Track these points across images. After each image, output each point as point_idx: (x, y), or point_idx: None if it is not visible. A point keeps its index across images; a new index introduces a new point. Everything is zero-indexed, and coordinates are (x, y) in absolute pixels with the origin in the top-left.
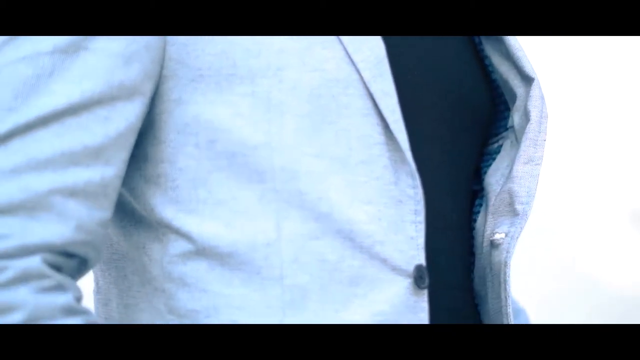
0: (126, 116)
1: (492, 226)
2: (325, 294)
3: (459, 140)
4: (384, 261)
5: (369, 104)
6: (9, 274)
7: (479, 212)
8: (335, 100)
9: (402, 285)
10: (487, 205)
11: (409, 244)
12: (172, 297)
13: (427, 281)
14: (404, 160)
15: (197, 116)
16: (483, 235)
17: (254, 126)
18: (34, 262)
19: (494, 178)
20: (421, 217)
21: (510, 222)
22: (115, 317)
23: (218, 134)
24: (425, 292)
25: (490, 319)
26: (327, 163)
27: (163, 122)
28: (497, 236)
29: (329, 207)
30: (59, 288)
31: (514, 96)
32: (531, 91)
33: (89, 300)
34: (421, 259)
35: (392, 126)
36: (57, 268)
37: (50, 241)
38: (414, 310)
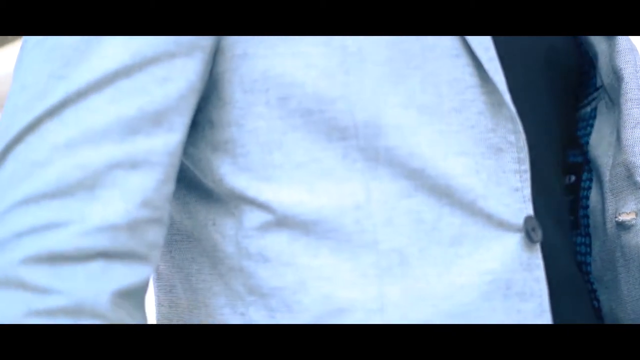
0: (186, 75)
1: (615, 205)
2: (425, 257)
3: (551, 95)
4: (488, 217)
5: (458, 43)
6: (59, 302)
7: (589, 187)
8: (418, 42)
9: (512, 241)
10: (600, 181)
11: (514, 197)
12: (252, 275)
13: (540, 234)
14: (501, 103)
15: (265, 71)
16: (604, 216)
17: (330, 78)
18: (98, 294)
19: (600, 149)
20: (526, 166)
21: (636, 199)
22: (183, 304)
23: (290, 89)
24: (539, 248)
25: (626, 307)
26: (415, 113)
27: (227, 82)
28: (624, 217)
29: (422, 162)
30: None
31: (595, 53)
32: (617, 46)
33: None
34: (529, 211)
35: (487, 65)
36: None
37: (113, 221)
38: (529, 267)
